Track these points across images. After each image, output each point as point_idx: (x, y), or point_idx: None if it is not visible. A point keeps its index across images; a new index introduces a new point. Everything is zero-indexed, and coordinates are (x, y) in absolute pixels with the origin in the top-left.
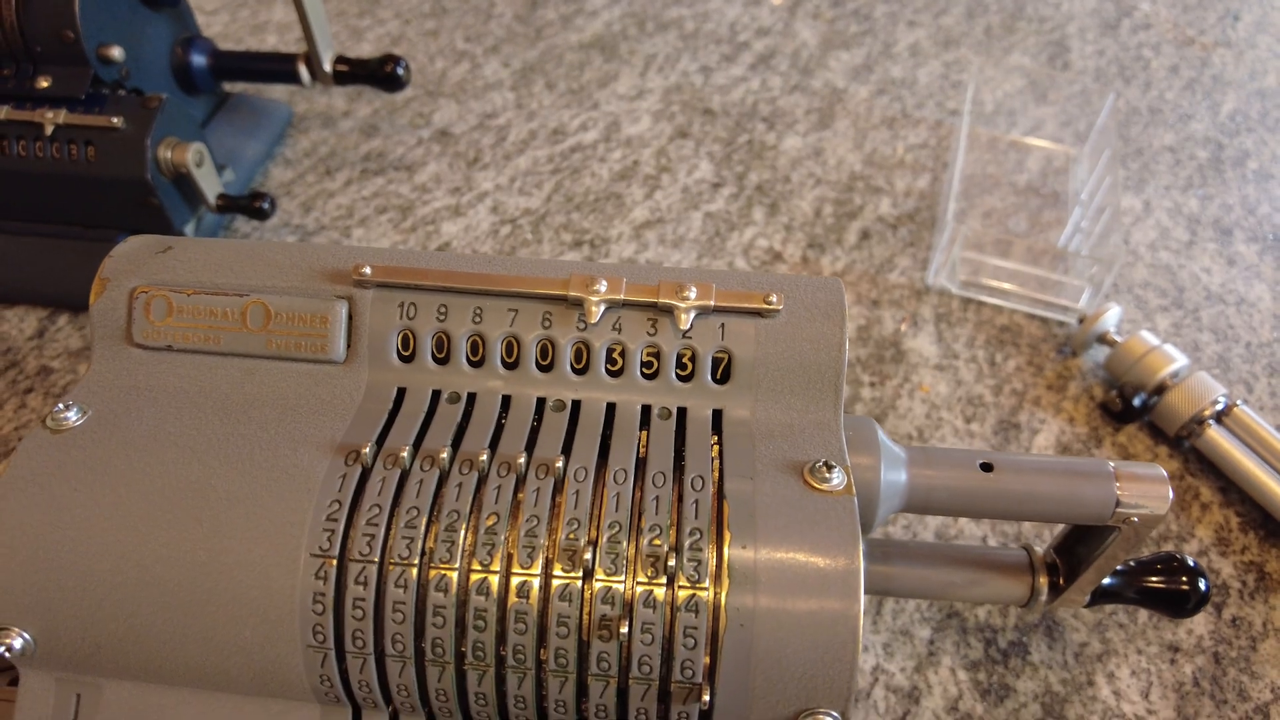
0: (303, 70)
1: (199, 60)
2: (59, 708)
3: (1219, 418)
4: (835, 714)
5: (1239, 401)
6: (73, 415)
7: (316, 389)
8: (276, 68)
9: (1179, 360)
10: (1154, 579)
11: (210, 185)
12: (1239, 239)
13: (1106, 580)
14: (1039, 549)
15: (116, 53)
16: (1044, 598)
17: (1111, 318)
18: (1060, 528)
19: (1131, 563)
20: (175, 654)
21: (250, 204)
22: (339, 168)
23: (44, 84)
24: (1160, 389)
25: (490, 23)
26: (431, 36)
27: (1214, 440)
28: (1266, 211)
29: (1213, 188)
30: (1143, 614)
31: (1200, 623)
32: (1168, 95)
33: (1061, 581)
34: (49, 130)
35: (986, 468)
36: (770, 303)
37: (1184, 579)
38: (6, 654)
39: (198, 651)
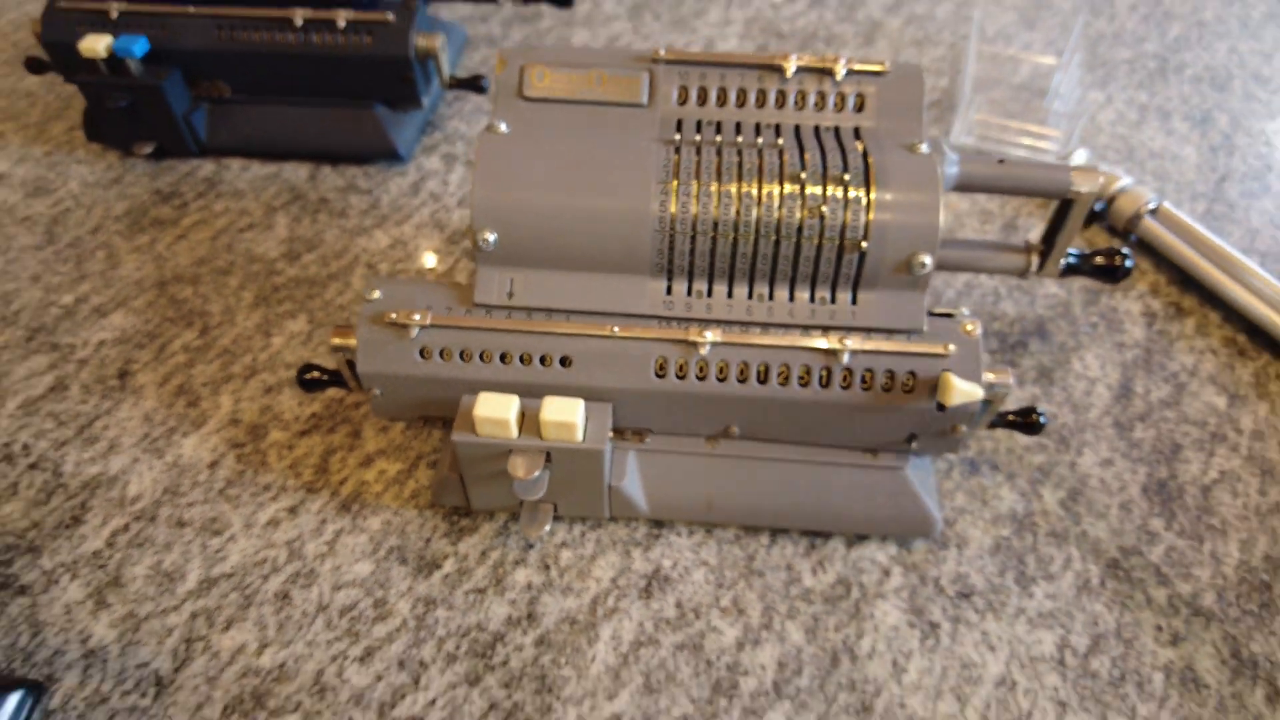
0: None
1: None
2: (500, 287)
3: (1153, 213)
4: (929, 255)
5: (1164, 201)
6: (504, 126)
7: (634, 120)
8: None
9: (1126, 179)
10: (1099, 259)
11: (445, 67)
12: (1175, 119)
13: (1071, 259)
14: (1033, 238)
15: None
16: (1034, 268)
17: (1079, 157)
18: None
19: (1087, 250)
20: (574, 245)
21: (474, 82)
22: None
23: None
24: (1112, 198)
25: None
26: None
27: (1150, 228)
28: (1197, 102)
29: (1157, 87)
30: (1102, 326)
31: (1139, 330)
32: (1127, 25)
33: (1044, 256)
34: (341, 24)
35: (1001, 161)
36: (885, 68)
37: (1116, 259)
38: (483, 246)
39: (586, 242)
